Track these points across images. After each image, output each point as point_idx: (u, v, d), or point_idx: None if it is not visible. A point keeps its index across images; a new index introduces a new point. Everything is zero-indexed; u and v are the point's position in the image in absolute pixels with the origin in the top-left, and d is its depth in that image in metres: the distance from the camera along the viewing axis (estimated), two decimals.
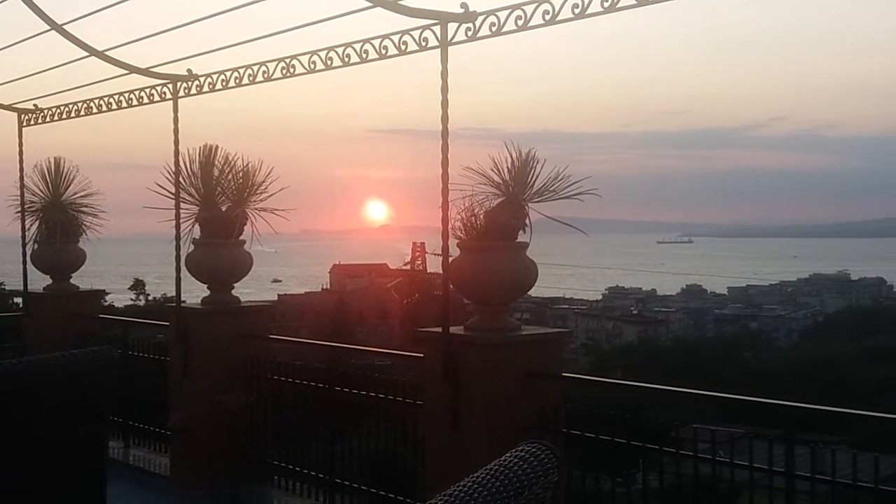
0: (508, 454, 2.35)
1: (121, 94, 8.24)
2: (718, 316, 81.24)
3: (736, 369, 48.79)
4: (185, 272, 7.81)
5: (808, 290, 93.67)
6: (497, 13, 5.21)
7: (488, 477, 2.24)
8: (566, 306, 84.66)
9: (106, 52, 7.32)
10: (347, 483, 6.76)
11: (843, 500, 4.33)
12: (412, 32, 5.65)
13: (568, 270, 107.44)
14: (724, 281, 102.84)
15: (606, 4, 4.73)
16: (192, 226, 7.74)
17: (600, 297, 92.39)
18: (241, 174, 7.60)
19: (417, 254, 77.15)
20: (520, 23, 5.09)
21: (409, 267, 79.51)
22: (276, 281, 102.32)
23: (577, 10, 4.85)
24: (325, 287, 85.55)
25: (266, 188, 7.59)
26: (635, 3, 4.68)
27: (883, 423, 4.43)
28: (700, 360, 51.65)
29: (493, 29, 5.22)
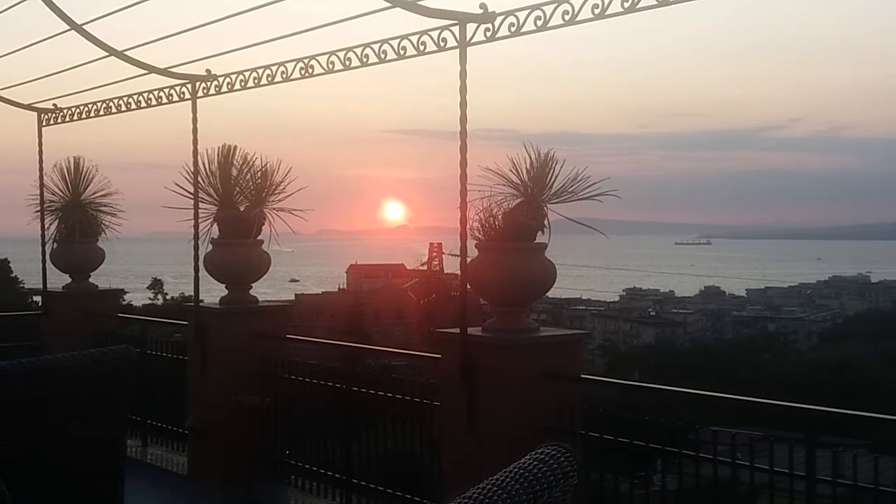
0: (528, 456, 2.33)
1: (140, 94, 8.27)
2: (737, 318, 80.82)
3: (754, 372, 48.55)
4: (203, 272, 7.83)
5: (828, 292, 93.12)
6: (516, 13, 5.18)
7: (508, 479, 2.23)
8: (583, 307, 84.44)
9: (125, 52, 7.34)
10: (364, 483, 6.75)
11: None
12: (431, 33, 5.63)
13: (586, 271, 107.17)
14: (743, 283, 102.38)
15: (626, 5, 4.70)
16: (211, 225, 7.75)
17: (618, 299, 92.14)
18: (259, 174, 7.60)
19: (434, 254, 77.12)
20: (539, 23, 5.06)
21: (425, 267, 79.49)
22: (293, 281, 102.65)
23: (596, 11, 4.82)
24: (341, 287, 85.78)
25: (284, 188, 7.60)
26: (656, 3, 4.65)
27: None
28: (718, 362, 51.43)
29: (513, 29, 5.20)
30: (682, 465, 5.01)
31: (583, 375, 5.98)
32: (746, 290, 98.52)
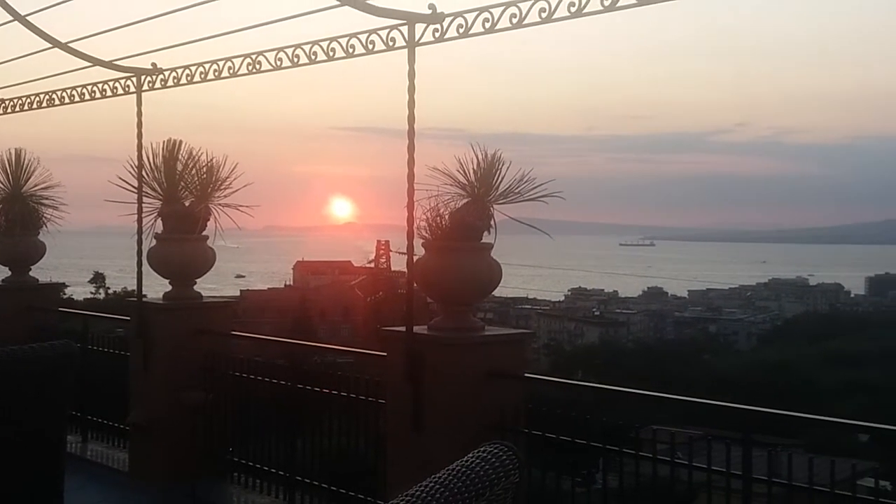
0: (471, 454, 2.36)
1: (84, 86, 8.16)
2: (678, 318, 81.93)
3: (695, 372, 49.31)
4: (146, 267, 7.76)
5: (768, 294, 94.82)
6: (465, 15, 5.23)
7: (450, 477, 2.26)
8: (529, 307, 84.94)
9: (69, 44, 7.24)
10: (308, 480, 6.74)
11: (798, 503, 4.40)
12: (380, 32, 5.65)
13: (531, 271, 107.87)
14: (685, 284, 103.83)
15: (573, 9, 4.77)
16: (155, 220, 7.69)
17: (563, 299, 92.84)
18: (204, 169, 7.55)
19: (382, 252, 76.97)
20: (487, 25, 5.11)
21: (373, 265, 79.29)
22: (239, 277, 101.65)
23: (544, 15, 4.88)
24: (288, 284, 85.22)
25: (230, 184, 7.56)
26: (601, 8, 4.71)
27: (838, 428, 4.51)
28: (660, 362, 52.12)
29: (461, 31, 5.25)
30: (623, 463, 5.09)
31: (527, 374, 6.03)
32: (688, 291, 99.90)
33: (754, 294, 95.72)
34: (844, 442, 28.39)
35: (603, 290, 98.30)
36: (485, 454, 2.38)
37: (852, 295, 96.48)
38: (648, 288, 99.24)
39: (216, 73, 6.91)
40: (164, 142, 7.60)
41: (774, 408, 5.16)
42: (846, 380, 46.10)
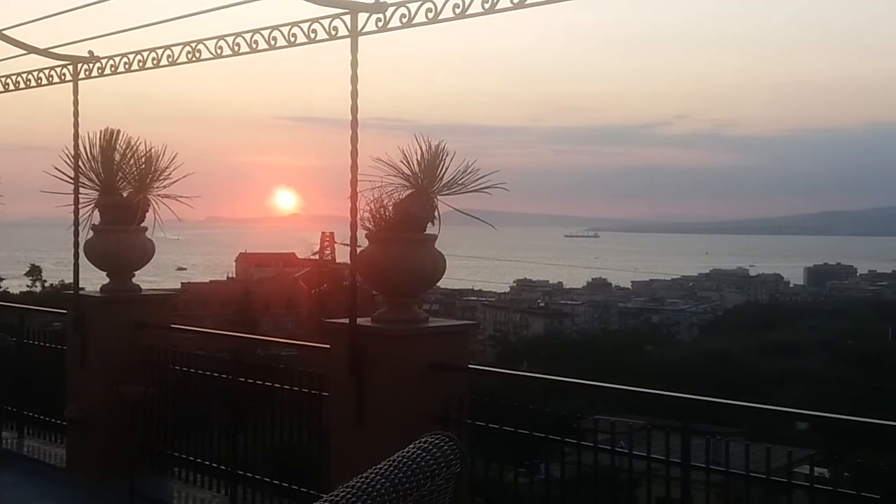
0: (412, 445, 2.36)
1: (18, 74, 7.99)
2: (622, 309, 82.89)
3: (638, 362, 49.89)
4: (83, 259, 7.63)
5: (709, 284, 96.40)
6: (408, 5, 5.21)
7: (391, 468, 2.25)
8: (475, 298, 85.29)
9: (3, 32, 7.08)
10: (250, 475, 6.69)
11: (735, 490, 4.47)
12: (322, 21, 5.60)
13: (477, 263, 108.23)
14: (629, 275, 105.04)
15: (515, 1, 4.77)
16: (92, 211, 7.56)
17: (508, 290, 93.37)
18: (143, 159, 7.44)
19: (326, 244, 76.57)
20: (430, 15, 5.10)
21: (317, 257, 78.84)
22: (180, 269, 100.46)
23: (486, 5, 4.87)
24: (230, 276, 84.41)
25: (169, 174, 7.46)
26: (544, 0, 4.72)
27: (777, 416, 4.59)
28: (604, 352, 52.63)
29: (404, 20, 5.22)
30: (566, 453, 5.13)
31: (471, 365, 6.04)
32: (632, 282, 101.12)
33: (696, 285, 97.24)
34: (783, 430, 28.97)
35: (548, 281, 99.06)
36: (426, 445, 2.38)
37: (791, 285, 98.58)
38: (593, 279, 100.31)
39: (155, 62, 6.80)
40: (101, 131, 7.47)
41: (715, 397, 5.24)
42: (785, 369, 47.01)
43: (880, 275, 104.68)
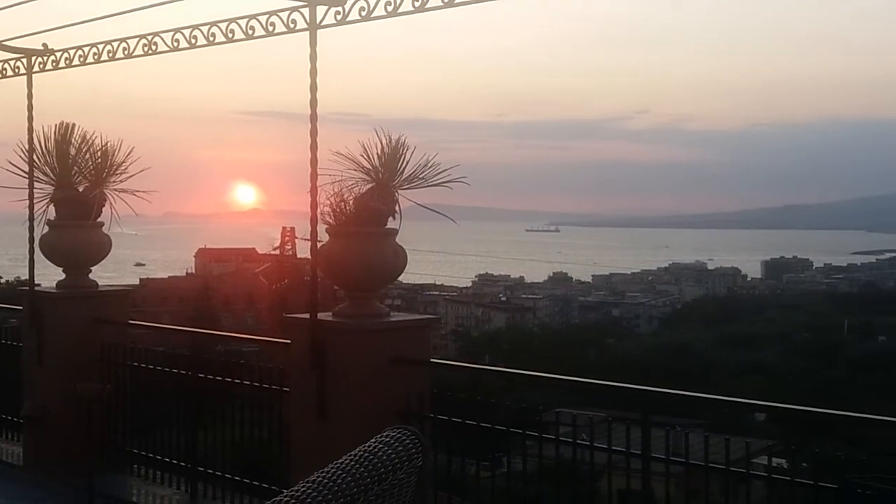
0: (373, 440, 2.35)
1: None
2: (583, 303, 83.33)
3: (599, 355, 50.22)
4: (39, 254, 7.52)
5: (668, 278, 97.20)
6: None
7: (352, 463, 2.24)
8: (437, 293, 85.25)
9: None
10: (210, 471, 6.64)
11: (695, 481, 4.51)
12: (280, 14, 5.57)
13: (439, 257, 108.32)
14: (590, 269, 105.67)
15: None
16: (47, 206, 7.46)
17: (470, 284, 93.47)
18: (99, 154, 7.35)
19: (287, 239, 76.09)
20: (389, 9, 5.08)
21: (278, 252, 78.34)
22: (138, 265, 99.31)
23: (445, 0, 4.86)
24: (190, 272, 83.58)
25: (126, 169, 7.38)
26: None
27: (736, 407, 4.64)
28: (565, 346, 52.89)
29: (363, 14, 5.20)
30: (528, 446, 5.15)
31: (432, 360, 6.05)
32: (592, 276, 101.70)
33: (656, 278, 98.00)
34: (742, 421, 29.33)
35: (509, 275, 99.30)
36: (388, 439, 2.37)
37: (749, 278, 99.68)
38: (554, 273, 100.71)
39: (110, 55, 6.72)
40: (56, 125, 7.38)
41: (674, 389, 5.29)
42: (743, 361, 47.56)
43: (835, 268, 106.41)
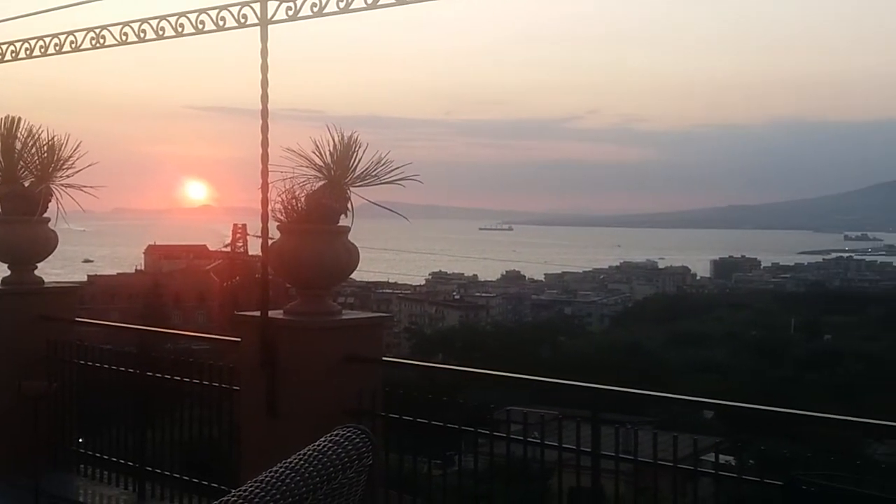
0: (323, 439, 2.34)
1: None
2: (536, 301, 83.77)
3: (552, 353, 50.55)
4: None
5: (620, 277, 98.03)
6: None
7: (301, 462, 2.22)
8: (390, 291, 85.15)
9: None
10: (159, 471, 6.57)
11: (644, 478, 4.55)
12: (231, 8, 5.52)
13: (393, 255, 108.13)
14: (542, 267, 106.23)
15: None
16: None
17: (424, 283, 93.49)
18: (45, 148, 7.21)
19: (238, 235, 75.45)
20: (342, 5, 5.06)
21: (229, 249, 77.66)
22: (87, 261, 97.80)
23: None
24: (139, 268, 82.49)
25: (73, 163, 7.25)
26: None
27: (683, 405, 4.68)
28: (518, 344, 53.14)
29: (315, 10, 5.17)
30: (479, 444, 5.15)
31: (385, 358, 6.04)
32: (545, 274, 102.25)
33: (607, 277, 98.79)
34: (691, 419, 29.69)
35: (463, 273, 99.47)
36: (338, 438, 2.36)
37: (698, 277, 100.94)
38: (507, 272, 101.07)
39: (57, 48, 6.61)
40: (1, 119, 7.23)
41: (625, 387, 5.32)
42: (692, 359, 48.17)
43: (783, 267, 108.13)
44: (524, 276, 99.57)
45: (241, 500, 2.02)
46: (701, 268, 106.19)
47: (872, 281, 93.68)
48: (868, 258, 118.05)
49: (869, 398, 35.63)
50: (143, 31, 6.02)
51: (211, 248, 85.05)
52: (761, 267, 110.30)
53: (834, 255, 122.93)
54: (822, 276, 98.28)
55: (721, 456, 4.41)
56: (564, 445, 4.78)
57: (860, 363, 45.77)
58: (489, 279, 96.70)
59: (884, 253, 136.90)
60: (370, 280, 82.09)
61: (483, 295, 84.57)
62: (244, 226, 72.25)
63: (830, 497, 3.89)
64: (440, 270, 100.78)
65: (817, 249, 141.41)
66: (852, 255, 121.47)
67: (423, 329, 69.53)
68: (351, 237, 5.76)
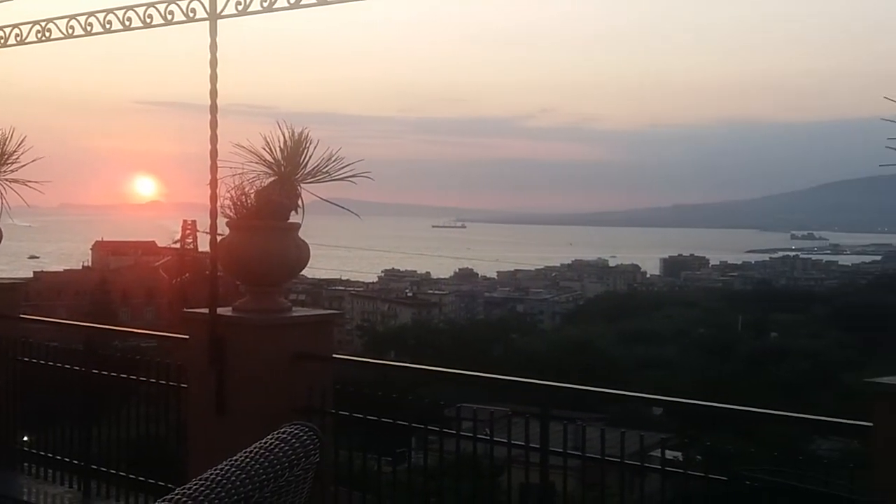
0: (270, 436, 2.33)
1: None
2: (488, 299, 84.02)
3: (504, 350, 50.73)
4: None
5: (571, 275, 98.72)
6: None
7: (247, 459, 2.21)
8: (342, 288, 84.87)
9: None
10: (104, 469, 6.50)
11: (592, 475, 4.59)
12: (179, 2, 5.47)
13: (346, 252, 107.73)
14: (495, 265, 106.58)
15: None
16: None
17: (376, 280, 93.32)
18: None
19: (188, 232, 74.59)
20: (291, 1, 5.03)
21: (178, 245, 76.75)
22: (32, 257, 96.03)
23: None
24: (86, 265, 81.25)
25: (17, 158, 7.13)
26: None
27: (632, 401, 4.73)
28: (471, 341, 53.25)
29: (265, 5, 5.15)
30: (429, 441, 5.16)
31: (335, 355, 6.01)
32: (497, 272, 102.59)
33: (559, 275, 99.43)
34: (641, 415, 29.98)
35: (416, 271, 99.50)
36: (285, 435, 2.35)
37: (648, 275, 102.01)
38: (460, 269, 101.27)
39: (2, 41, 6.50)
40: None
41: (577, 384, 5.37)
42: (642, 356, 48.65)
43: (731, 266, 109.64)
44: (477, 274, 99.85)
45: (184, 498, 2.00)
46: (651, 266, 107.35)
47: (818, 279, 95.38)
48: (814, 257, 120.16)
49: (813, 395, 36.30)
50: (90, 24, 5.93)
51: (160, 245, 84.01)
52: (710, 265, 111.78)
53: (780, 253, 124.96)
54: (769, 274, 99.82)
55: (669, 452, 4.47)
56: (513, 442, 4.81)
57: (805, 361, 46.54)
58: (442, 277, 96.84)
59: (829, 252, 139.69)
60: (322, 277, 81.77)
61: (436, 292, 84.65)
62: (194, 222, 71.48)
63: (773, 492, 3.96)
64: (393, 268, 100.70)
65: (764, 248, 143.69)
66: (798, 254, 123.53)
67: (376, 326, 69.39)
68: (302, 234, 5.74)
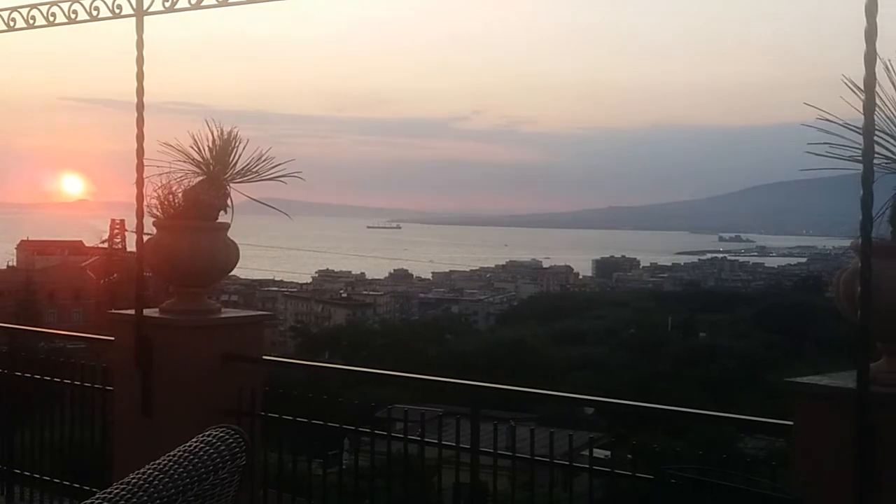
0: (195, 439, 2.30)
1: None
2: (423, 300, 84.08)
3: (439, 351, 50.77)
4: None
5: (505, 276, 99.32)
6: None
7: (170, 463, 2.18)
8: (276, 289, 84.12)
9: None
10: (28, 473, 6.36)
11: (522, 474, 4.62)
12: None
13: (279, 253, 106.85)
14: (430, 266, 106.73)
15: None
16: None
17: (310, 280, 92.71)
18: None
19: (116, 231, 73.16)
20: None
21: (106, 245, 75.24)
22: None
23: None
24: (10, 264, 79.21)
25: None
26: None
27: (563, 401, 4.77)
28: (406, 342, 53.19)
29: (193, 2, 5.07)
30: (362, 442, 5.15)
31: (265, 357, 5.97)
32: (432, 273, 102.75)
33: (494, 276, 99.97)
34: (573, 415, 30.25)
35: (350, 272, 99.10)
36: (210, 438, 2.33)
37: (581, 276, 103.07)
38: (395, 270, 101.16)
39: None
40: None
41: (510, 384, 5.40)
42: (575, 356, 49.13)
43: (661, 267, 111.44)
44: (412, 275, 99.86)
45: (105, 503, 1.97)
46: (583, 267, 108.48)
47: (745, 281, 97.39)
48: (741, 259, 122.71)
49: (740, 394, 37.02)
50: (13, 19, 5.78)
51: (87, 244, 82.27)
52: (640, 266, 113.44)
53: (709, 255, 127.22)
54: (698, 275, 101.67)
55: (599, 451, 4.52)
56: (444, 443, 4.82)
57: (733, 360, 47.47)
58: (377, 277, 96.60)
59: (756, 254, 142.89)
60: (256, 278, 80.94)
61: (370, 293, 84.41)
62: (122, 221, 70.02)
63: (697, 487, 4.03)
64: (327, 268, 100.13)
65: (693, 250, 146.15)
66: (726, 255, 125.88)
67: (310, 327, 68.87)
68: (233, 234, 5.68)
